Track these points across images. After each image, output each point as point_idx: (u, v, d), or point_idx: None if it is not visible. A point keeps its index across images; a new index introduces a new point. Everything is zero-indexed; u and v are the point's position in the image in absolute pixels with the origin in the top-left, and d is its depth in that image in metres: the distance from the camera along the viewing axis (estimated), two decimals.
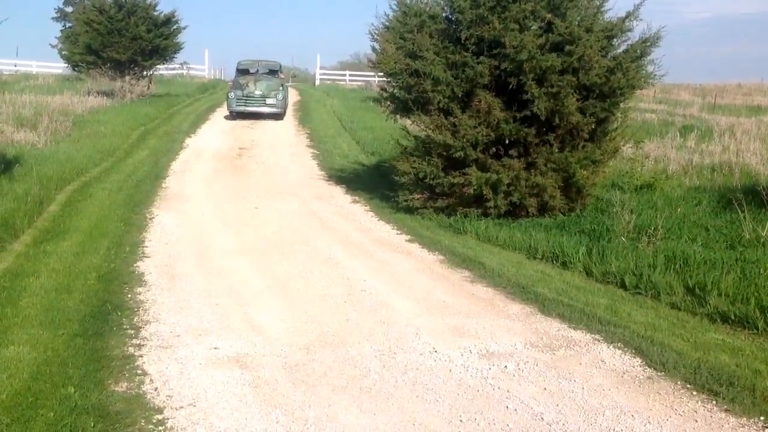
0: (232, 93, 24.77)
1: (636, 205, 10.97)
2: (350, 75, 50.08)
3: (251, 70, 26.78)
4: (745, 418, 4.85)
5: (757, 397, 5.12)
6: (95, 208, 11.15)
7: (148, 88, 30.77)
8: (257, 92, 24.65)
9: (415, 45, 11.56)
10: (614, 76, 10.89)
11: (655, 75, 11.37)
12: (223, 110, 27.68)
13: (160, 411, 4.69)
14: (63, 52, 37.46)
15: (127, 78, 29.22)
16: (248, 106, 24.58)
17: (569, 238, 9.73)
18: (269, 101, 24.73)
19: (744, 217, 9.76)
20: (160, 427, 4.47)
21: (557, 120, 10.82)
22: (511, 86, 10.89)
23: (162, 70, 37.38)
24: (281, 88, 25.56)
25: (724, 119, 24.22)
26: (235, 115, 24.80)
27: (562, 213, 11.24)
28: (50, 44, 32.19)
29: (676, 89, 38.91)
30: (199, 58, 49.74)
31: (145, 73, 31.32)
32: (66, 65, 37.11)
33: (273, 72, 26.89)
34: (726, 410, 4.98)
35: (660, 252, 8.67)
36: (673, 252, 8.57)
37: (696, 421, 4.81)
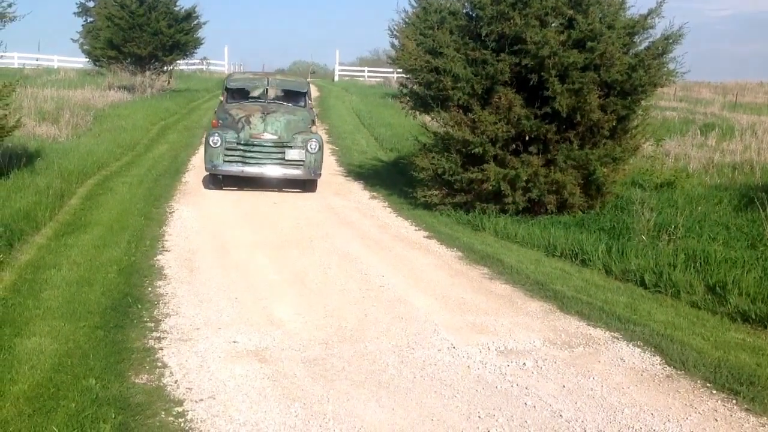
0: (217, 137, 12.34)
1: (656, 204, 10.91)
2: (369, 71, 50.08)
3: (254, 93, 14.03)
4: (765, 418, 4.82)
5: None
6: (116, 201, 11.22)
7: (168, 83, 30.95)
8: (267, 135, 12.42)
9: (435, 41, 11.55)
10: (636, 73, 10.83)
11: (676, 72, 11.28)
12: None
13: (180, 403, 4.72)
14: (84, 47, 37.75)
15: (148, 73, 29.40)
16: (248, 162, 12.45)
17: (589, 235, 9.69)
18: (291, 154, 12.42)
19: (765, 216, 9.68)
20: (180, 419, 4.49)
21: (578, 117, 10.77)
22: (531, 83, 10.85)
23: (182, 65, 37.62)
24: (310, 128, 12.92)
25: (745, 117, 24.01)
26: (220, 182, 12.81)
27: (581, 210, 11.19)
28: (72, 39, 32.60)
29: (696, 87, 38.63)
30: (219, 54, 49.97)
31: (165, 68, 31.52)
32: (87, 60, 37.42)
33: (295, 97, 13.80)
34: (746, 410, 4.94)
35: (680, 250, 8.62)
36: (693, 250, 8.52)
37: (716, 420, 4.78)
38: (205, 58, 44.89)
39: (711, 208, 11.14)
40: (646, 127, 12.24)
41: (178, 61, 33.51)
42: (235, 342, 5.85)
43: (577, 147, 10.93)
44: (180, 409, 4.63)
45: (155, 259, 8.22)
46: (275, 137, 12.37)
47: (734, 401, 5.07)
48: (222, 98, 14.03)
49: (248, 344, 5.82)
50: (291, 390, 4.99)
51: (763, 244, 9.02)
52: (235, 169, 12.38)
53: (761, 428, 4.68)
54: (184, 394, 4.86)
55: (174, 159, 15.80)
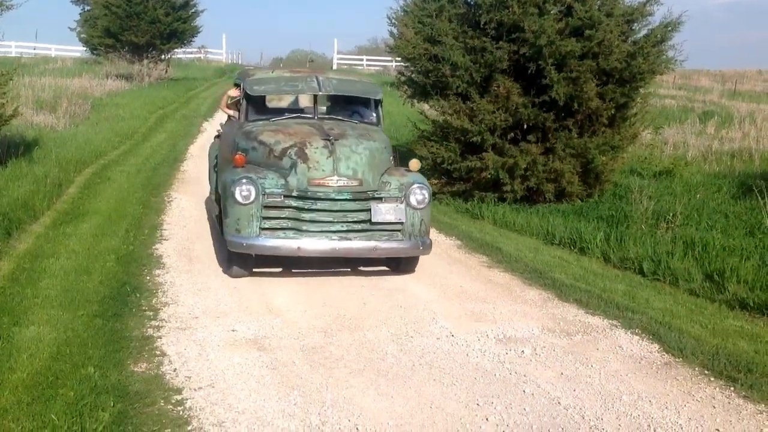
0: (247, 186, 6.84)
1: (655, 192, 10.93)
2: (367, 60, 49.94)
3: (291, 100, 9.17)
4: (763, 405, 4.83)
5: None
6: (114, 190, 11.21)
7: (166, 71, 30.87)
8: (340, 179, 6.95)
9: (434, 29, 11.52)
10: (634, 61, 10.81)
11: (675, 60, 11.28)
12: None
13: (179, 391, 4.72)
14: (82, 36, 37.61)
15: (145, 61, 29.35)
16: (308, 231, 6.91)
17: (587, 223, 9.70)
18: (382, 212, 7.03)
19: (764, 204, 9.69)
20: (179, 407, 4.50)
21: (576, 105, 10.76)
22: (530, 71, 10.83)
23: (180, 54, 37.54)
24: (392, 161, 7.79)
25: (744, 105, 23.99)
26: (248, 261, 7.18)
27: (579, 199, 11.19)
28: (69, 27, 32.31)
29: (696, 75, 38.58)
30: (217, 42, 49.86)
31: (163, 56, 31.47)
32: (84, 48, 37.32)
33: (362, 108, 8.54)
34: (744, 396, 4.95)
35: (679, 238, 8.63)
36: (691, 238, 8.53)
37: (714, 407, 4.79)
38: (202, 47, 44.87)
39: (709, 196, 11.15)
40: (645, 115, 12.24)
41: (176, 50, 33.46)
42: (234, 330, 5.86)
43: (575, 135, 10.92)
44: (179, 398, 4.63)
45: (154, 247, 8.22)
46: (354, 182, 6.90)
47: (732, 388, 5.08)
48: (230, 109, 8.88)
49: (247, 333, 5.82)
50: (290, 378, 5.00)
51: (761, 232, 9.03)
52: (286, 245, 6.78)
53: (759, 415, 4.69)
54: (183, 382, 4.87)
55: (172, 148, 15.77)
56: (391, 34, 13.14)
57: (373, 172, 7.06)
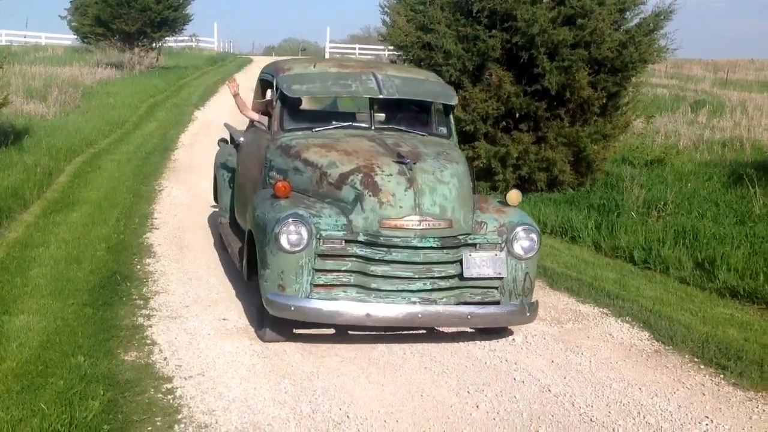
0: (296, 228, 5.05)
1: (646, 180, 10.94)
2: (360, 48, 49.78)
3: (334, 103, 7.69)
4: (752, 392, 4.86)
5: (765, 371, 5.13)
6: (104, 179, 11.16)
7: (157, 60, 30.70)
8: (423, 218, 5.13)
9: (427, 17, 11.47)
10: (626, 50, 10.80)
11: (667, 49, 11.27)
12: None
13: (169, 380, 4.71)
14: (72, 24, 37.35)
15: (136, 50, 29.16)
16: (378, 290, 5.12)
17: (578, 212, 9.71)
18: (477, 264, 5.27)
19: (755, 193, 9.72)
20: (169, 396, 4.49)
21: (568, 94, 10.74)
22: (522, 60, 10.80)
23: (171, 42, 37.34)
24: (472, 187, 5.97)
25: (735, 94, 24.03)
26: (284, 323, 5.30)
27: (571, 188, 11.19)
28: (60, 16, 32.16)
29: (687, 64, 38.61)
30: (208, 31, 49.58)
31: (154, 45, 31.25)
32: (75, 37, 37.04)
33: (432, 116, 6.84)
34: (734, 384, 4.98)
35: (669, 227, 8.65)
36: (682, 227, 8.55)
37: (703, 394, 4.81)
38: (194, 35, 44.60)
39: (700, 185, 11.17)
40: (637, 104, 12.23)
41: (167, 38, 33.22)
42: (224, 319, 5.84)
43: (567, 124, 10.92)
44: (169, 386, 4.63)
45: (144, 236, 8.19)
46: (442, 224, 5.18)
47: (722, 376, 5.11)
48: (252, 112, 7.17)
49: (238, 322, 5.81)
50: (281, 366, 4.99)
51: (752, 221, 9.06)
52: (348, 310, 5.09)
53: (748, 402, 4.72)
54: (173, 371, 4.86)
55: (163, 137, 15.70)
56: (384, 22, 13.08)
57: (464, 209, 5.28)
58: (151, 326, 5.62)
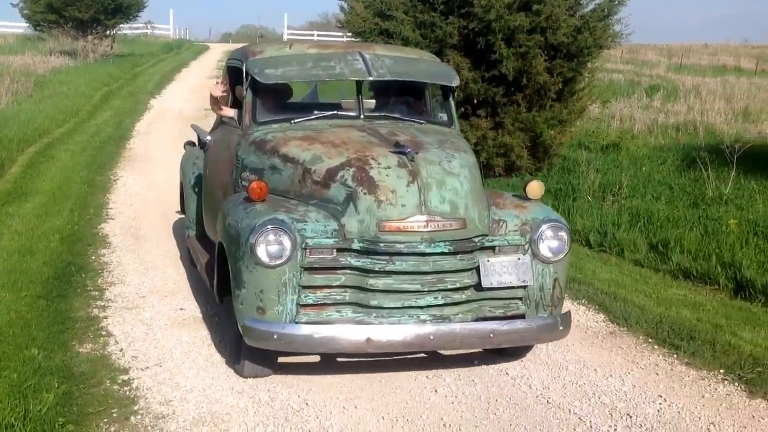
0: (276, 237, 4.21)
1: (602, 165, 11.08)
2: (318, 35, 49.52)
3: (317, 92, 6.92)
4: (705, 371, 4.95)
5: (717, 350, 5.22)
6: (58, 170, 10.98)
7: (112, 48, 30.24)
8: (431, 219, 4.31)
9: (384, 4, 11.44)
10: (581, 35, 10.88)
11: (621, 34, 11.38)
12: (189, 71, 26.95)
13: (125, 371, 4.67)
14: (24, 12, 36.51)
15: (90, 38, 28.70)
16: (380, 308, 4.31)
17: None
18: (497, 270, 4.48)
19: (707, 176, 9.89)
20: (125, 388, 4.45)
21: (525, 80, 10.79)
22: (479, 46, 10.83)
23: (125, 29, 36.69)
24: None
25: (689, 79, 24.39)
26: (266, 356, 4.55)
27: (529, 173, 11.27)
28: (11, 3, 31.31)
29: (643, 49, 39.07)
30: (164, 18, 48.94)
31: (108, 32, 30.79)
32: (27, 25, 36.23)
33: (424, 98, 6.01)
34: (687, 363, 5.07)
35: (624, 210, 8.77)
36: (637, 210, 8.68)
37: (657, 374, 4.90)
38: (149, 22, 43.85)
39: (655, 169, 11.33)
40: (593, 90, 12.35)
41: (121, 25, 32.71)
42: (182, 309, 5.80)
43: (524, 110, 10.98)
44: (125, 377, 4.58)
45: (99, 227, 8.09)
46: (454, 224, 4.39)
47: (675, 356, 5.20)
48: (226, 109, 5.89)
49: (195, 311, 5.77)
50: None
51: (704, 203, 9.22)
52: (344, 335, 4.25)
53: (701, 381, 4.81)
54: (129, 362, 4.81)
55: (118, 125, 15.49)
56: (342, 8, 13.02)
57: (478, 205, 4.51)
58: (106, 317, 5.56)
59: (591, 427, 4.16)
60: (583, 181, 9.97)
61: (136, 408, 4.20)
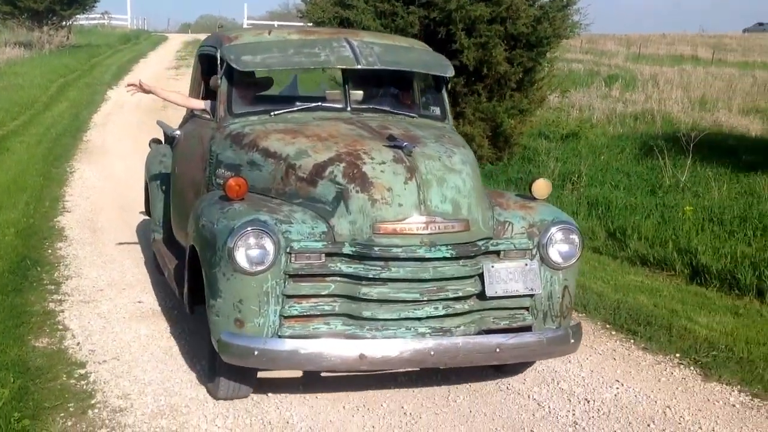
0: (258, 240, 3.79)
1: (561, 154, 11.19)
2: (279, 25, 49.20)
3: (297, 83, 6.30)
4: (661, 356, 5.04)
5: (673, 335, 5.31)
6: (13, 162, 10.78)
7: (68, 38, 29.78)
8: (431, 219, 3.91)
9: None
10: (541, 25, 10.94)
11: (580, 24, 11.48)
12: (148, 62, 26.64)
13: (82, 365, 4.61)
14: None
15: (46, 28, 28.23)
16: (375, 320, 3.88)
17: (497, 186, 9.84)
18: (503, 276, 4.08)
19: (664, 164, 10.03)
20: (82, 382, 4.39)
21: (485, 70, 10.83)
22: (440, 36, 10.83)
23: (82, 20, 36.21)
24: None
25: (647, 68, 24.65)
26: (246, 375, 4.12)
27: (489, 162, 11.33)
28: None
29: (602, 39, 39.40)
30: (121, 8, 48.23)
31: (64, 23, 30.32)
32: None
33: (422, 92, 5.65)
34: (643, 348, 5.16)
35: (584, 198, 8.87)
36: (596, 198, 8.78)
37: (614, 359, 4.96)
38: (106, 12, 43.35)
39: (613, 157, 11.47)
40: (552, 79, 12.43)
41: (78, 16, 32.25)
42: (140, 302, 5.75)
43: (485, 99, 11.02)
44: (82, 372, 4.52)
45: (55, 220, 7.98)
46: (456, 225, 3.98)
47: (632, 341, 5.28)
48: (196, 101, 5.51)
49: (154, 304, 5.72)
50: (199, 348, 4.91)
51: (662, 191, 9.36)
52: (334, 350, 3.82)
53: (657, 365, 4.89)
54: (86, 356, 4.75)
55: (75, 117, 15.26)
56: None
57: (482, 205, 4.15)
58: (63, 311, 5.48)
59: (550, 412, 4.21)
60: (543, 170, 10.05)
61: (93, 402, 4.16)
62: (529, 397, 4.36)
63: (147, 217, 6.77)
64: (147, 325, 5.29)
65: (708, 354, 4.98)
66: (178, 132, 5.78)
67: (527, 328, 4.18)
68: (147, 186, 6.53)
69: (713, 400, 4.42)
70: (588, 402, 4.33)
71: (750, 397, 4.45)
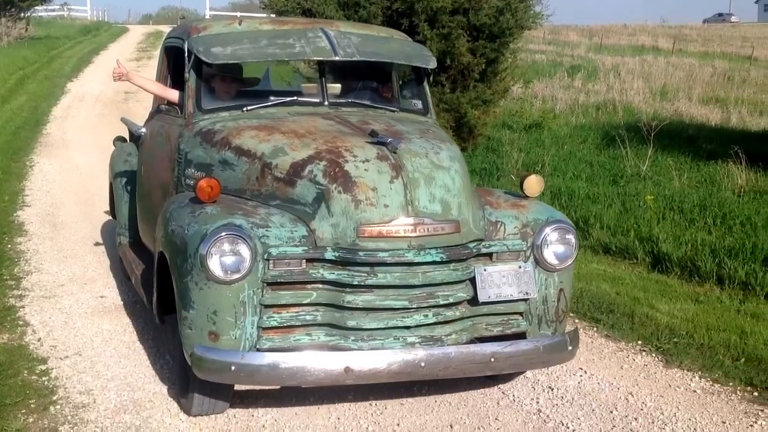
0: (232, 246, 3.50)
1: (525, 144, 11.26)
2: (241, 16, 48.83)
3: (269, 77, 5.87)
4: (623, 343, 5.10)
5: (635, 322, 5.38)
6: None
7: (26, 30, 29.29)
8: (420, 221, 3.64)
9: None
10: (503, 16, 10.98)
11: (542, 15, 11.55)
12: (108, 53, 26.34)
13: (43, 361, 4.55)
14: None
15: (3, 20, 27.71)
16: (360, 329, 3.63)
17: None
18: (495, 280, 3.83)
19: (626, 153, 10.15)
20: (44, 378, 4.33)
21: (449, 61, 10.85)
22: (403, 27, 10.82)
23: (41, 11, 35.64)
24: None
25: (609, 59, 24.92)
26: (216, 391, 3.85)
27: None
28: None
29: (565, 30, 39.74)
30: None
31: (22, 14, 29.80)
32: None
33: (393, 82, 5.32)
34: (606, 336, 5.22)
35: (547, 188, 8.90)
36: (559, 188, 8.86)
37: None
38: (65, 4, 42.72)
39: (576, 147, 11.58)
40: (515, 70, 12.50)
41: (36, 8, 31.73)
42: (102, 297, 5.68)
43: (448, 90, 11.05)
44: (44, 368, 4.47)
45: (15, 214, 7.87)
46: (446, 227, 3.72)
47: (595, 329, 5.34)
48: (172, 91, 5.03)
49: (116, 299, 5.66)
50: (163, 342, 4.88)
51: (623, 180, 9.47)
52: (317, 364, 3.54)
53: (619, 353, 4.95)
54: (48, 352, 4.69)
55: (34, 110, 15.05)
56: None
57: (472, 205, 3.91)
58: (23, 307, 5.41)
59: (514, 400, 4.24)
60: (506, 160, 10.11)
61: (55, 398, 4.10)
62: (493, 385, 4.38)
63: (110, 213, 6.61)
64: (109, 320, 5.23)
65: (669, 341, 5.05)
66: (143, 130, 5.50)
67: (521, 335, 3.96)
68: (111, 187, 6.27)
69: (674, 386, 4.49)
70: (552, 390, 4.38)
71: (710, 383, 4.52)
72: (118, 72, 5.00)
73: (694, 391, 4.41)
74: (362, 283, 3.57)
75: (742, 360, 4.75)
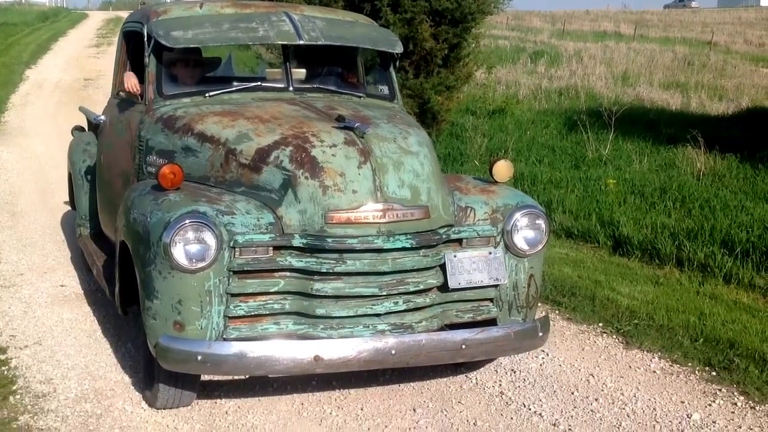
0: (196, 235, 3.42)
1: (488, 129, 11.31)
2: (204, 0, 48.26)
3: (233, 63, 6.69)
4: (585, 325, 5.17)
5: (597, 305, 5.45)
6: None
7: None
8: (389, 207, 3.61)
9: None
10: (465, 1, 11.00)
11: (504, 0, 11.59)
12: (67, 40, 25.93)
13: (2, 351, 4.49)
14: None
15: None
16: (329, 318, 3.58)
17: None
18: (467, 266, 3.83)
19: (588, 138, 10.24)
20: (3, 367, 4.28)
21: (411, 46, 10.84)
22: (365, 12, 10.78)
23: None
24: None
25: (572, 45, 25.08)
26: (183, 382, 3.78)
27: None
28: None
29: (528, 16, 39.91)
30: None
31: None
32: None
33: (358, 67, 5.33)
34: (568, 318, 5.28)
35: None
36: (522, 173, 8.92)
37: None
38: None
39: (539, 132, 11.67)
40: (478, 56, 12.52)
41: None
42: (62, 286, 5.62)
43: (412, 76, 11.04)
44: (3, 357, 4.41)
45: None
46: (416, 213, 3.69)
47: (557, 312, 5.40)
48: (130, 83, 4.76)
49: (77, 288, 5.59)
50: (125, 330, 4.85)
51: (585, 165, 9.56)
52: (285, 353, 3.50)
53: (581, 335, 5.01)
54: (7, 341, 4.63)
55: None
56: None
57: (442, 190, 3.86)
58: None
59: (477, 383, 4.27)
60: (470, 145, 10.15)
61: (14, 388, 4.05)
62: (456, 369, 4.41)
63: (69, 204, 6.51)
64: (70, 308, 5.18)
65: (630, 323, 5.12)
66: (102, 118, 5.40)
67: (492, 321, 3.94)
68: (71, 177, 6.13)
69: (635, 366, 4.56)
70: (514, 372, 4.42)
71: (670, 363, 4.60)
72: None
73: (654, 372, 4.49)
74: (331, 271, 3.52)
75: (701, 341, 4.83)
